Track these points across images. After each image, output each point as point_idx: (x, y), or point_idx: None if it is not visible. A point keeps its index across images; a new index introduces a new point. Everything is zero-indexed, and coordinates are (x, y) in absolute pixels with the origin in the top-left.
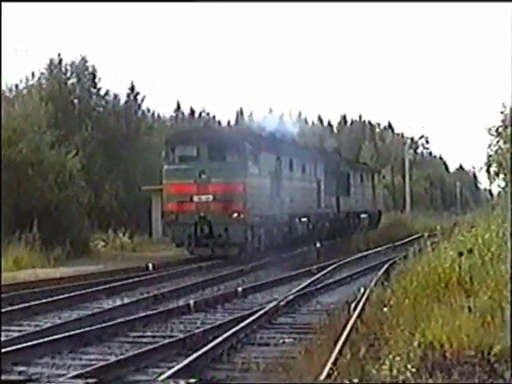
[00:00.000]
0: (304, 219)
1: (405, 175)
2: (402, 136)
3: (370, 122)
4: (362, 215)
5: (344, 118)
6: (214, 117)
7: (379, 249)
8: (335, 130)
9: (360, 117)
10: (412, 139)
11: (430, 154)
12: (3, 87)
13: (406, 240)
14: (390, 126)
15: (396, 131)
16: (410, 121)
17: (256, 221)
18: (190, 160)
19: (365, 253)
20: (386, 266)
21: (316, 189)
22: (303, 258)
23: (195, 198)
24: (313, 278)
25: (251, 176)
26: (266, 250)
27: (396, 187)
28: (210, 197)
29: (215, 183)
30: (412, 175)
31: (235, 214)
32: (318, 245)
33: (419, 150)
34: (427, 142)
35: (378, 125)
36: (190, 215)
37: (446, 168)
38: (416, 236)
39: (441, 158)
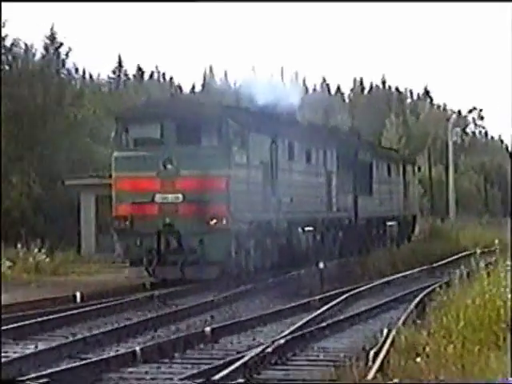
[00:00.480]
0: (309, 228)
1: (448, 165)
2: (444, 108)
3: (397, 89)
4: (389, 223)
5: (360, 82)
6: (171, 79)
7: (410, 272)
8: (347, 100)
9: (383, 82)
10: (459, 113)
11: (486, 134)
12: None
13: (448, 259)
14: (426, 93)
15: (435, 102)
16: (455, 87)
17: (243, 229)
18: (150, 144)
19: (390, 277)
20: (419, 296)
21: (325, 185)
22: (301, 283)
23: (158, 198)
24: (314, 314)
25: (237, 167)
26: (257, 271)
27: (435, 182)
28: (179, 196)
29: (186, 177)
30: (458, 165)
31: (214, 221)
32: (322, 265)
33: (469, 129)
34: (481, 117)
35: (410, 93)
36: (150, 222)
37: (510, 155)
38: (463, 254)
39: (501, 141)
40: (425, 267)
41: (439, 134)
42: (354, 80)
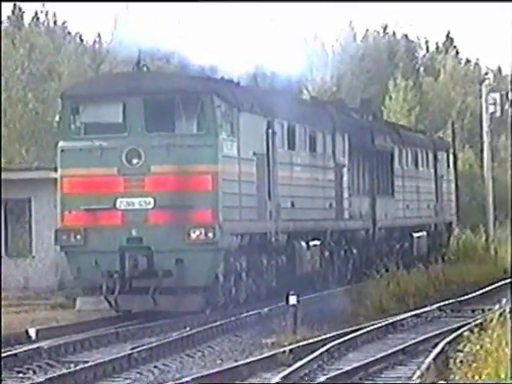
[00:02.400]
0: (315, 242)
1: (482, 150)
2: (477, 65)
3: (406, 37)
4: (417, 234)
5: (351, 27)
6: (64, 24)
7: (426, 309)
8: (330, 52)
9: (384, 27)
10: (499, 72)
11: None
12: None
13: (482, 290)
14: (450, 42)
15: (462, 55)
16: (491, 34)
17: (233, 244)
18: (109, 131)
19: (394, 317)
20: (440, 346)
21: (335, 183)
22: (267, 326)
23: (121, 204)
24: (281, 375)
25: (226, 160)
26: (249, 300)
27: (462, 175)
28: (150, 200)
29: (158, 174)
30: (498, 149)
31: (197, 233)
32: (294, 301)
33: None
34: None
35: (426, 43)
36: (110, 235)
37: None
38: (505, 281)
39: None
40: (447, 301)
41: (469, 104)
42: (341, 24)
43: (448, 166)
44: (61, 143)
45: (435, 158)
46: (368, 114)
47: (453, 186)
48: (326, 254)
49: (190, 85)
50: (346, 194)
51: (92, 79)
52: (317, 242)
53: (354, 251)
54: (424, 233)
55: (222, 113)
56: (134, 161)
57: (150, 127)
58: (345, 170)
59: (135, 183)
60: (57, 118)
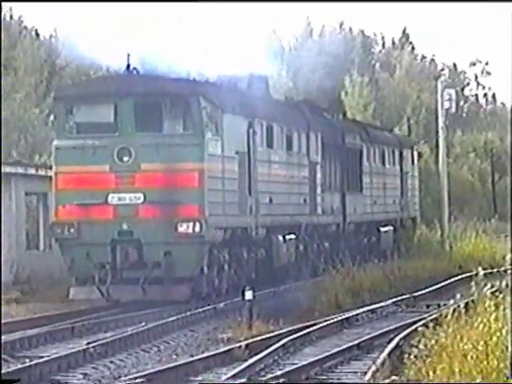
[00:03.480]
0: (291, 236)
1: (437, 145)
2: (432, 61)
3: (362, 33)
4: (384, 228)
5: (307, 22)
6: (36, 32)
7: (380, 304)
8: (286, 47)
9: (341, 23)
10: (454, 68)
11: (494, 99)
12: None
13: (437, 285)
14: (406, 38)
15: (418, 51)
16: (447, 30)
17: (218, 237)
18: (101, 130)
19: (349, 312)
20: (394, 341)
21: (309, 179)
22: (220, 320)
23: (112, 199)
24: (236, 370)
25: (212, 158)
26: (230, 291)
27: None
28: (139, 195)
29: (148, 171)
30: (453, 145)
31: (184, 226)
32: (250, 296)
33: (469, 92)
34: (487, 73)
35: (382, 39)
36: (102, 228)
37: None
38: (460, 276)
39: None
40: (402, 297)
41: (424, 99)
42: (298, 20)
43: (412, 162)
44: (55, 142)
45: (401, 155)
46: (338, 113)
47: (417, 182)
48: (301, 247)
49: (177, 87)
50: (318, 191)
51: (85, 81)
52: (292, 236)
53: (326, 245)
54: (390, 227)
55: (208, 114)
56: (125, 158)
57: (140, 127)
58: (318, 167)
59: (126, 180)
60: (51, 118)
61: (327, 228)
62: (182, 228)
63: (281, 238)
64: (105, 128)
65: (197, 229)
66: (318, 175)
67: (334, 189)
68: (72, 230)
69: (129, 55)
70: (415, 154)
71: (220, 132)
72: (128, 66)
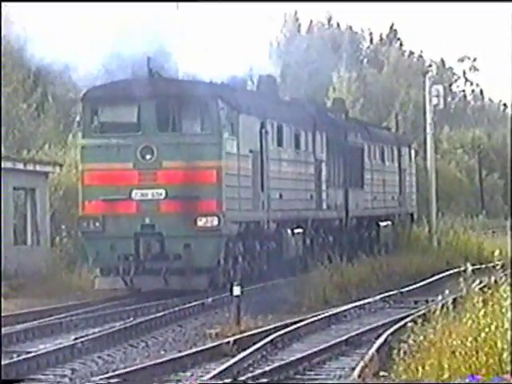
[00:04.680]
0: (298, 230)
1: (425, 141)
2: (420, 57)
3: (350, 28)
4: (383, 223)
5: (295, 18)
6: None
7: (369, 300)
8: (274, 43)
9: (329, 19)
10: (442, 64)
11: (482, 95)
12: None
13: (425, 281)
14: (393, 34)
15: (406, 47)
16: (435, 27)
17: (234, 231)
18: (125, 130)
19: (337, 308)
20: (383, 336)
21: (315, 176)
22: (208, 316)
23: (135, 194)
24: (222, 368)
25: (228, 156)
26: (244, 282)
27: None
28: (161, 191)
29: (169, 169)
30: (441, 141)
31: (203, 220)
32: (238, 292)
33: (457, 88)
34: (475, 69)
35: (370, 35)
36: (126, 222)
37: None
38: (448, 272)
39: (505, 106)
40: (391, 292)
41: (412, 95)
42: (285, 15)
43: (410, 160)
44: (82, 141)
45: (399, 152)
46: (341, 113)
47: (414, 179)
48: (307, 240)
49: (197, 90)
50: (324, 187)
51: (110, 83)
52: (300, 230)
53: (330, 239)
54: (389, 222)
55: (225, 115)
56: (148, 156)
57: (161, 127)
58: (323, 164)
59: (148, 176)
60: (78, 118)
61: (331, 222)
62: (201, 222)
63: (290, 231)
64: (128, 128)
65: (215, 222)
66: (323, 172)
67: (338, 185)
68: (97, 224)
69: (149, 59)
70: (412, 151)
71: (236, 132)
72: (150, 70)
